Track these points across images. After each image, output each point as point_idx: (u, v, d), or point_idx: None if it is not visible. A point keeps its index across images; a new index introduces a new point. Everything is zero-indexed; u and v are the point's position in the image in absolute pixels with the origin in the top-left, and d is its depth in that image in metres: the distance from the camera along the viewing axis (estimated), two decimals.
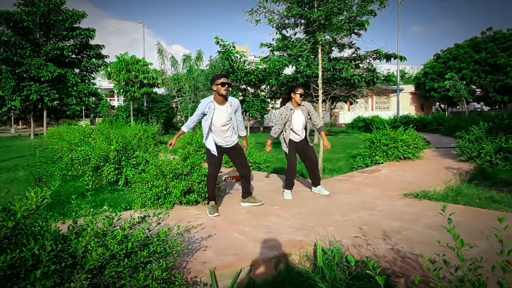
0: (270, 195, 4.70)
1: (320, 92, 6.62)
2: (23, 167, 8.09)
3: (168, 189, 4.11)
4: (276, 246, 2.87)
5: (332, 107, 26.89)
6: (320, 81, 6.57)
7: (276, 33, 7.35)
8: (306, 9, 6.49)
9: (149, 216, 2.16)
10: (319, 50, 6.50)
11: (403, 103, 34.74)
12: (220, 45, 16.77)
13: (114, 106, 48.82)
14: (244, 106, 18.32)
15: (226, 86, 3.80)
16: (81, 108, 34.25)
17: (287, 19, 6.70)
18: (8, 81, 18.77)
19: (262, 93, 18.28)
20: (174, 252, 2.17)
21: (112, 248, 1.66)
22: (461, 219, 3.46)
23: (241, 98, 18.61)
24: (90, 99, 22.78)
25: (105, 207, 2.14)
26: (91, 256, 1.58)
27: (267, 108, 18.90)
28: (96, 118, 44.57)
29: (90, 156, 5.86)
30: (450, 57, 29.88)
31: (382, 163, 7.17)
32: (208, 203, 4.00)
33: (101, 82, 45.19)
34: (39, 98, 19.65)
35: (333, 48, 13.37)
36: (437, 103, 36.85)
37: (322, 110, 31.52)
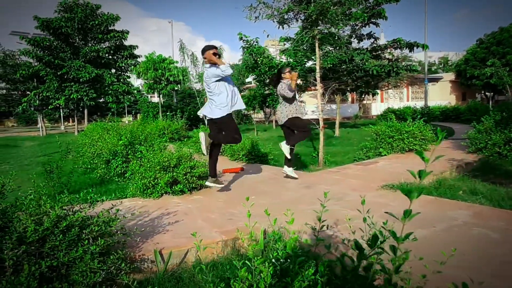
0: (255, 186, 4.96)
1: (319, 86, 6.72)
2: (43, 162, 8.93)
3: (155, 180, 4.52)
4: (228, 231, 3.15)
5: (361, 98, 26.34)
6: (318, 75, 6.67)
7: (278, 27, 7.49)
8: (303, 4, 6.59)
9: (97, 201, 2.53)
10: (316, 44, 6.59)
11: (442, 93, 33.07)
12: (243, 40, 17.08)
13: (153, 102, 50.96)
14: (269, 100, 18.57)
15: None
16: (124, 106, 36.33)
17: (286, 14, 6.84)
18: (52, 83, 20.49)
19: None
20: (119, 232, 2.55)
21: (46, 225, 2.04)
22: (422, 209, 3.52)
23: (267, 92, 18.84)
24: (126, 97, 24.23)
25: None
26: (26, 231, 1.97)
27: None
28: (138, 114, 46.86)
29: (102, 150, 6.47)
30: (493, 41, 27.94)
31: (385, 155, 7.12)
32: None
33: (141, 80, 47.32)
34: (79, 97, 21.26)
35: (351, 40, 13.25)
36: (482, 92, 34.60)
37: (350, 102, 30.59)
